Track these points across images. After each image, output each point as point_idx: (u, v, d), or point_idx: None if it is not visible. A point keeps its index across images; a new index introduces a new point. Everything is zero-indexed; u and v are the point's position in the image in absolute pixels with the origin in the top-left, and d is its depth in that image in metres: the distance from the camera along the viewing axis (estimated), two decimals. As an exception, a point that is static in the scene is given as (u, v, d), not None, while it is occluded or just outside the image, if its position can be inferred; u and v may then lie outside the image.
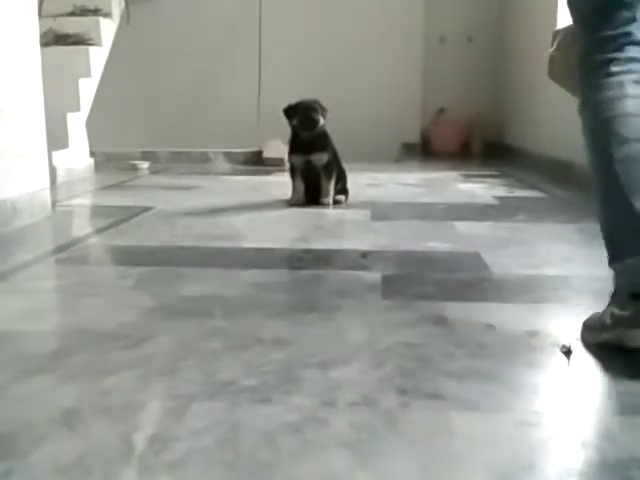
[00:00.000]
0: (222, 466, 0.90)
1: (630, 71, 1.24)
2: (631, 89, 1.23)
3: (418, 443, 0.96)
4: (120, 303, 1.62)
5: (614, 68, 1.24)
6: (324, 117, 3.05)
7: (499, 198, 3.32)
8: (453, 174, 4.36)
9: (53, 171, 3.41)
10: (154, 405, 1.07)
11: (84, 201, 3.42)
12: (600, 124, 1.25)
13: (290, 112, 3.06)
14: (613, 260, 1.27)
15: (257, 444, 0.95)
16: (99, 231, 2.54)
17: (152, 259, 2.07)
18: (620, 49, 1.25)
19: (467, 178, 4.17)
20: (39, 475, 0.88)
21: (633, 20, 1.25)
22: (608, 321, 1.29)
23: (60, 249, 2.22)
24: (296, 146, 3.09)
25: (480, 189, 3.66)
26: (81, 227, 2.87)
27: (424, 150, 5.80)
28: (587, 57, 1.30)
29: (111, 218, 2.72)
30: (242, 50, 5.49)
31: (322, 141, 3.06)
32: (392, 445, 0.95)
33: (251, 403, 1.08)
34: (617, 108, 1.22)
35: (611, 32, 1.26)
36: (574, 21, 1.37)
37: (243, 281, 1.81)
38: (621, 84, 1.23)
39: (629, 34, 1.25)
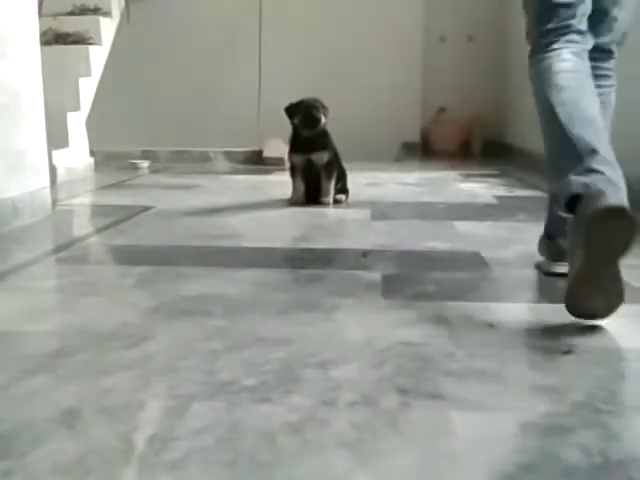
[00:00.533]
0: (222, 466, 0.90)
1: (568, 47, 1.58)
2: (566, 56, 1.57)
3: (418, 443, 0.96)
4: (120, 303, 1.62)
5: (555, 45, 1.58)
6: (325, 116, 3.05)
7: (499, 197, 3.32)
8: (453, 173, 4.36)
9: (53, 170, 3.41)
10: (154, 405, 1.07)
11: (84, 200, 3.42)
12: (544, 82, 1.57)
13: (292, 110, 3.06)
14: (554, 184, 1.55)
15: (257, 444, 0.95)
16: (99, 230, 2.55)
17: (152, 258, 2.07)
18: (562, 34, 1.59)
19: (467, 177, 4.17)
20: (39, 475, 0.88)
21: (574, 16, 1.59)
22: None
23: (60, 248, 2.22)
24: (297, 145, 3.09)
25: (480, 188, 3.66)
26: (81, 226, 2.87)
27: (424, 149, 5.80)
28: (535, 45, 1.64)
29: (111, 217, 2.72)
30: (242, 49, 5.49)
31: (323, 140, 3.06)
32: (392, 445, 0.95)
33: (251, 403, 1.08)
34: (556, 68, 1.56)
35: (556, 25, 1.59)
36: (527, 19, 1.69)
37: (243, 280, 1.81)
38: (559, 54, 1.57)
39: (570, 25, 1.59)
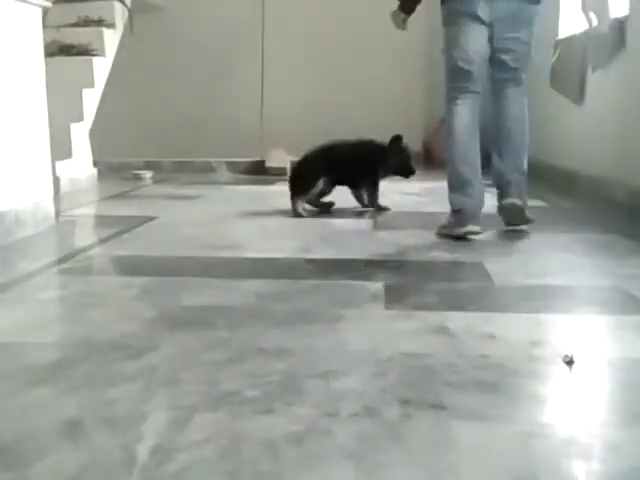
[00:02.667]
0: (224, 477, 0.90)
1: (465, 104, 2.51)
2: (463, 109, 2.50)
3: (420, 453, 0.96)
4: (123, 313, 1.63)
5: (458, 101, 2.51)
6: None
7: (501, 207, 3.31)
8: (455, 183, 4.34)
9: (57, 181, 3.41)
10: (157, 416, 1.07)
11: (87, 211, 3.43)
12: (450, 124, 2.52)
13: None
14: (450, 195, 2.52)
15: (259, 455, 0.95)
16: (102, 241, 2.55)
17: (155, 269, 2.07)
18: (462, 92, 2.51)
19: (469, 187, 4.16)
20: (42, 486, 0.88)
21: (470, 80, 2.50)
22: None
23: (63, 259, 2.22)
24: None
25: (482, 198, 3.65)
26: (84, 237, 2.88)
27: (426, 160, 5.80)
28: (447, 94, 2.57)
29: (114, 228, 2.72)
30: (245, 60, 5.51)
31: None
32: (395, 456, 0.95)
33: (253, 414, 1.08)
34: (457, 117, 2.50)
35: (458, 85, 2.52)
36: (445, 74, 2.59)
37: (246, 291, 1.82)
38: (461, 106, 2.50)
39: (467, 87, 2.51)
